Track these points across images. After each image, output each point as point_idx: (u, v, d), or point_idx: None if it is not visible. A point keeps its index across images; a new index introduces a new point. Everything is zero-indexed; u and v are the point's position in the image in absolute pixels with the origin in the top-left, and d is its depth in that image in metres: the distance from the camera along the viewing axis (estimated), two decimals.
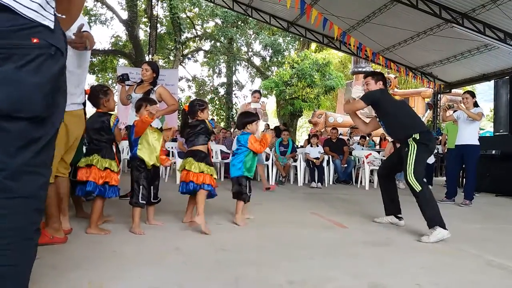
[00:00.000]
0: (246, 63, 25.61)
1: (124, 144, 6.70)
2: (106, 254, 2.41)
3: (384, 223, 3.76)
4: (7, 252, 1.17)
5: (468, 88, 14.87)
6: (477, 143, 5.56)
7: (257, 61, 25.58)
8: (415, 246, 2.97)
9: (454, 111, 6.06)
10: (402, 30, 10.59)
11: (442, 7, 9.15)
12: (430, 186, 6.80)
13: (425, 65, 12.99)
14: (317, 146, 8.00)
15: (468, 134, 5.57)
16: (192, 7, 22.59)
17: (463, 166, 6.05)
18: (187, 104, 3.49)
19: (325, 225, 3.70)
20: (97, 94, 3.02)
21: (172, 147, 7.74)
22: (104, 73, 24.46)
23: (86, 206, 3.67)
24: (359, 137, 10.67)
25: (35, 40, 1.16)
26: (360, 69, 19.03)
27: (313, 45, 22.36)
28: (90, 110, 3.31)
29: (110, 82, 23.93)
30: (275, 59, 22.66)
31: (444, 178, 7.79)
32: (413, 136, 3.41)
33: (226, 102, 24.47)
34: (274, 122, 22.38)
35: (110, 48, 23.52)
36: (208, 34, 24.54)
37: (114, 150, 3.08)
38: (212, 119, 20.44)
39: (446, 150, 7.41)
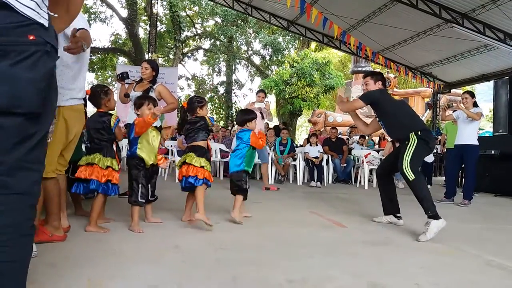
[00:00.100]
0: (246, 62, 25.59)
1: (123, 142, 6.70)
2: (105, 252, 2.40)
3: (383, 223, 3.76)
4: (5, 248, 1.18)
5: (468, 88, 14.88)
6: (477, 143, 5.57)
7: (257, 60, 25.59)
8: (414, 246, 2.97)
9: (454, 111, 6.07)
10: (402, 30, 10.58)
11: (442, 7, 9.14)
12: (429, 186, 6.81)
13: (424, 65, 12.98)
14: (317, 145, 8.00)
15: (467, 134, 5.57)
16: (192, 6, 22.54)
17: (462, 166, 6.06)
18: (186, 101, 3.50)
19: (325, 224, 3.70)
20: (98, 95, 3.04)
21: (171, 146, 7.73)
22: (103, 71, 24.42)
23: (85, 205, 3.67)
24: (358, 137, 10.67)
25: (31, 37, 1.18)
26: (360, 69, 19.03)
27: (313, 44, 22.36)
28: (91, 110, 3.33)
29: (109, 80, 23.92)
30: (275, 58, 22.65)
31: (443, 178, 7.79)
32: (415, 131, 3.44)
33: (225, 101, 24.45)
34: (273, 121, 22.34)
35: (109, 46, 23.49)
36: (208, 33, 24.50)
37: (115, 148, 3.10)
38: (212, 117, 20.47)
39: (445, 150, 7.42)
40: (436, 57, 12.13)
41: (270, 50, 22.43)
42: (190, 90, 26.24)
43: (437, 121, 14.32)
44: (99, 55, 23.18)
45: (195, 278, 2.03)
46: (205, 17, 23.16)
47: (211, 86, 25.97)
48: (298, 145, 10.80)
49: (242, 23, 22.55)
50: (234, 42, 23.82)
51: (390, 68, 13.27)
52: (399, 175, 6.40)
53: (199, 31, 24.95)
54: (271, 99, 22.35)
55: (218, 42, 23.93)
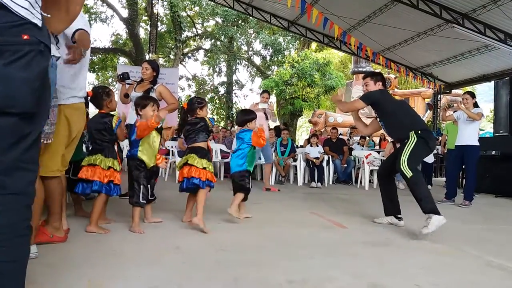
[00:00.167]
0: (247, 62, 25.60)
1: (124, 143, 6.70)
2: (106, 253, 2.40)
3: (383, 224, 3.76)
4: (2, 249, 1.19)
5: (468, 88, 14.86)
6: (477, 143, 5.56)
7: (257, 60, 25.59)
8: (415, 247, 2.97)
9: (454, 111, 6.06)
10: (402, 30, 10.58)
11: (443, 7, 9.14)
12: (429, 187, 6.80)
13: (425, 65, 12.98)
14: (317, 146, 8.00)
15: (468, 135, 5.57)
16: (192, 6, 22.55)
17: (463, 166, 6.05)
18: (186, 102, 3.49)
19: (325, 225, 3.70)
20: (100, 96, 3.06)
21: (172, 146, 7.73)
22: (104, 72, 24.45)
23: (85, 206, 3.67)
24: (359, 137, 10.67)
25: (25, 37, 1.18)
26: (360, 69, 19.02)
27: (314, 45, 22.36)
28: (93, 111, 3.34)
29: (110, 80, 23.94)
30: (276, 59, 22.65)
31: (444, 178, 7.79)
32: (415, 130, 3.43)
33: (226, 101, 24.46)
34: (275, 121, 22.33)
35: (110, 46, 23.51)
36: (208, 33, 24.51)
37: (116, 149, 3.11)
38: (213, 118, 20.46)
39: (445, 151, 7.41)
40: (437, 58, 12.13)
41: (270, 50, 22.44)
42: (191, 90, 26.31)
43: (437, 122, 14.31)
44: (100, 55, 23.20)
45: (195, 279, 2.03)
46: (206, 17, 23.17)
47: (212, 87, 25.98)
48: (299, 146, 10.80)
49: (243, 23, 22.56)
50: (235, 43, 23.83)
51: (390, 68, 13.27)
52: (400, 176, 6.40)
53: (199, 31, 24.97)
54: (272, 99, 22.35)
55: (218, 43, 23.94)
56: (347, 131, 13.87)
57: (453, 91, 14.65)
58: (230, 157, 4.99)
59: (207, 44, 25.52)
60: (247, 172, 3.60)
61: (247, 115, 3.73)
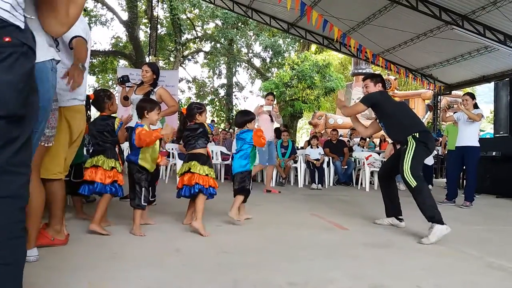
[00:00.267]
0: (246, 65, 25.63)
1: (124, 145, 6.70)
2: (107, 255, 2.40)
3: (384, 225, 3.75)
4: None
5: (468, 90, 14.85)
6: (478, 144, 5.56)
7: (257, 62, 25.63)
8: (416, 248, 2.96)
9: (454, 112, 6.07)
10: (402, 32, 10.59)
11: (442, 9, 9.15)
12: (430, 186, 6.80)
13: (425, 67, 12.99)
14: (317, 147, 8.00)
15: (468, 136, 5.57)
16: (192, 8, 22.60)
17: (464, 167, 6.05)
18: (185, 107, 3.48)
19: (326, 227, 3.70)
20: (101, 99, 3.12)
21: (172, 149, 7.73)
22: (104, 74, 24.47)
23: (85, 209, 3.67)
24: (359, 139, 10.66)
25: (7, 39, 1.17)
26: (360, 71, 19.02)
27: (313, 47, 22.37)
28: (94, 113, 3.35)
29: (110, 83, 23.96)
30: (275, 61, 22.68)
31: (445, 179, 7.79)
32: (413, 134, 3.43)
33: (226, 103, 24.47)
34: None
35: (110, 49, 23.53)
36: (208, 35, 24.55)
37: (117, 151, 3.13)
38: (213, 121, 20.48)
39: (446, 152, 7.40)
40: (437, 59, 12.14)
41: (270, 52, 22.48)
42: (191, 92, 26.32)
43: (437, 123, 14.31)
44: (100, 58, 23.23)
45: (196, 281, 2.03)
46: (206, 19, 23.20)
47: (212, 89, 26.00)
48: (299, 147, 10.80)
49: (243, 25, 22.60)
50: (235, 45, 23.87)
51: (390, 70, 13.28)
52: (401, 177, 6.38)
53: (199, 34, 25.00)
54: None
55: (218, 45, 23.97)
56: (347, 132, 13.86)
57: (453, 92, 14.65)
58: (230, 158, 4.99)
59: (207, 47, 25.59)
60: (249, 173, 3.62)
61: (246, 116, 3.74)
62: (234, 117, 20.84)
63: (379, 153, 8.55)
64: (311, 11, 9.19)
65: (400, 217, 3.73)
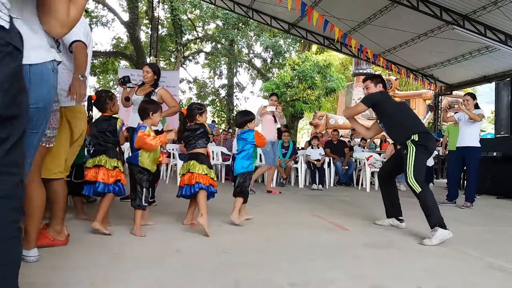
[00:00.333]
0: (247, 65, 25.62)
1: (125, 146, 6.71)
2: (107, 255, 2.41)
3: (385, 225, 3.75)
4: None
5: (469, 90, 14.85)
6: (478, 145, 5.56)
7: (258, 63, 25.63)
8: (417, 249, 2.96)
9: (455, 113, 6.06)
10: (403, 32, 10.59)
11: (443, 9, 9.14)
12: (431, 185, 6.79)
13: (426, 67, 12.98)
14: (318, 148, 8.00)
15: (469, 136, 5.57)
16: (193, 9, 22.61)
17: (464, 168, 6.04)
18: (185, 107, 3.49)
19: (326, 227, 3.70)
20: (103, 99, 3.14)
21: (173, 149, 7.74)
22: (105, 75, 24.49)
23: (86, 209, 3.68)
24: (360, 139, 10.66)
25: None
26: (361, 71, 19.00)
27: (314, 47, 22.38)
28: (96, 114, 3.37)
29: (111, 84, 23.99)
30: (276, 61, 22.68)
31: (445, 180, 7.77)
32: (412, 137, 3.42)
33: (227, 103, 24.47)
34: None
35: (111, 50, 23.55)
36: (209, 36, 24.55)
37: (118, 151, 3.14)
38: (213, 121, 20.48)
39: (447, 152, 7.40)
40: (437, 59, 12.13)
41: (271, 53, 22.47)
42: (192, 93, 26.31)
43: (438, 123, 14.30)
44: (101, 59, 23.25)
45: (196, 282, 2.03)
46: (206, 20, 23.20)
47: (213, 89, 26.01)
48: (300, 148, 10.79)
49: (243, 26, 22.60)
50: (235, 45, 23.87)
51: (391, 70, 13.28)
52: (401, 178, 6.39)
53: (200, 35, 25.01)
54: None
55: (219, 45, 23.97)
56: (348, 133, 13.86)
57: (454, 92, 14.64)
58: (231, 159, 4.99)
59: (207, 47, 25.59)
60: (250, 174, 3.62)
61: (246, 116, 3.74)
62: (234, 118, 20.89)
63: (380, 154, 8.55)
64: (311, 12, 9.19)
65: (400, 217, 3.73)
